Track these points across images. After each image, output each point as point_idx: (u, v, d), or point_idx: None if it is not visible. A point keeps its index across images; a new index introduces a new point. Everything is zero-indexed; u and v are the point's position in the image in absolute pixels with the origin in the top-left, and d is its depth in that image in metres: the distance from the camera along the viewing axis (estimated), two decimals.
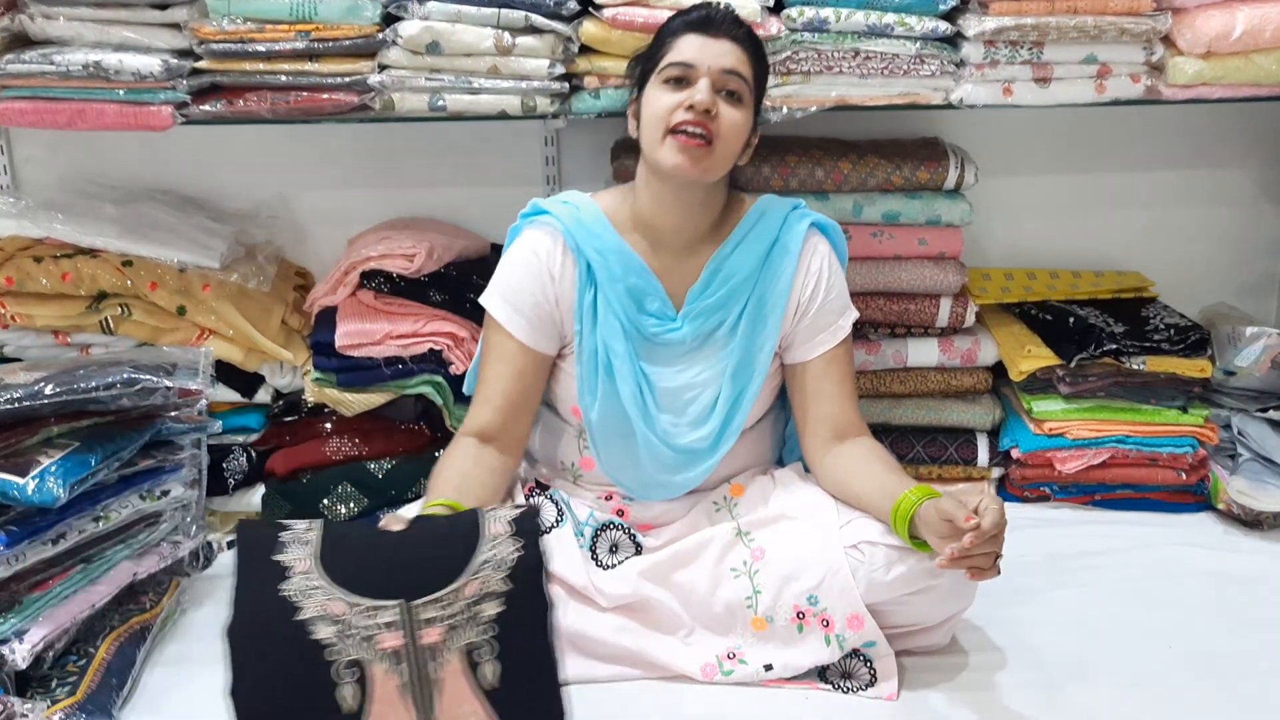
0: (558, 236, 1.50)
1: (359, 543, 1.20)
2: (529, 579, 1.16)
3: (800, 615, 1.43)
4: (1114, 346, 1.83)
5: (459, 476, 1.44)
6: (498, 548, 1.18)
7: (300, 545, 1.19)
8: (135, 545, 1.54)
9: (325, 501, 1.83)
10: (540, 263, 1.49)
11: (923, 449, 1.95)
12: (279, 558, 1.18)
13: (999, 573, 1.29)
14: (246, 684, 1.12)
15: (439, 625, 1.13)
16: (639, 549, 1.53)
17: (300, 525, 1.22)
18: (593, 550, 1.54)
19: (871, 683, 1.41)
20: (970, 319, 1.88)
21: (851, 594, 1.39)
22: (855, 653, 1.42)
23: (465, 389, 1.64)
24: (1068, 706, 1.38)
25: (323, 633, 1.13)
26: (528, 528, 1.19)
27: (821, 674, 1.43)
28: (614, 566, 1.51)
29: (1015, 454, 1.91)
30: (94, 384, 1.41)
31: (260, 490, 1.87)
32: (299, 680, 1.11)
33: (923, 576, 1.39)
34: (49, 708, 1.32)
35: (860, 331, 1.86)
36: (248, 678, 1.12)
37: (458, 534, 1.20)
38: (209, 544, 1.75)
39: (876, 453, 1.50)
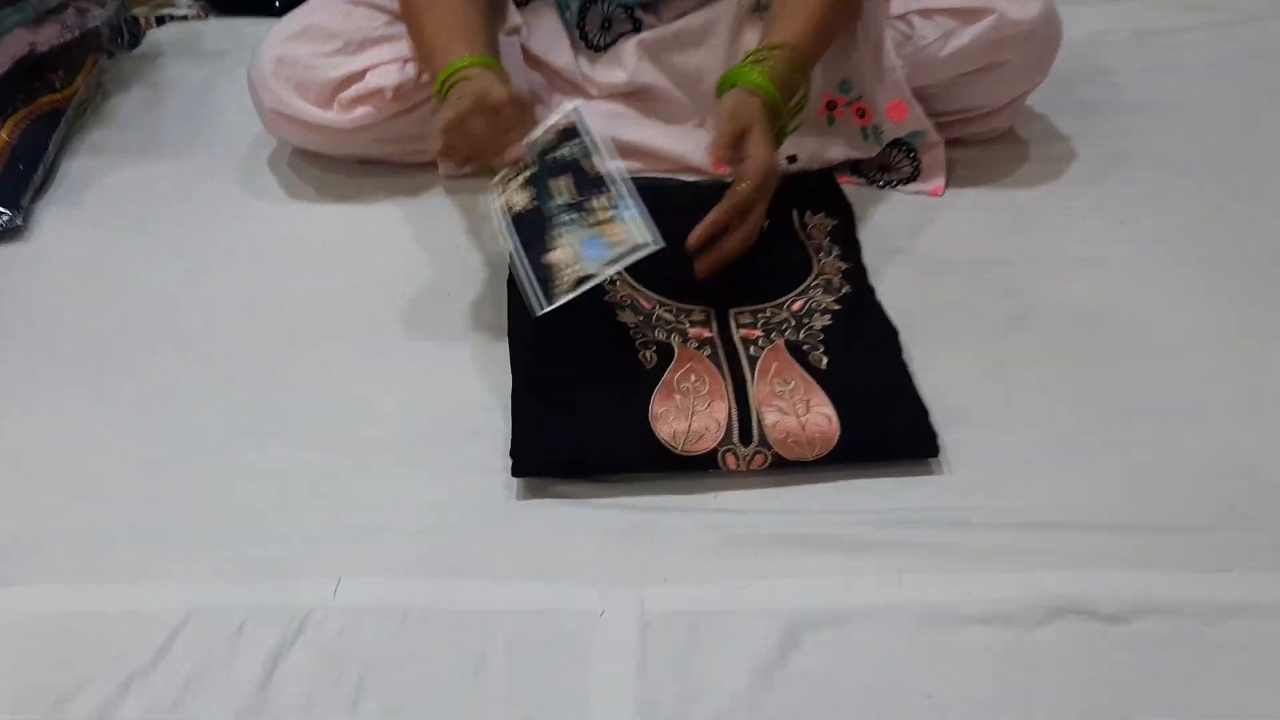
0: None
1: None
2: (865, 306, 0.99)
3: (830, 105, 1.17)
4: None
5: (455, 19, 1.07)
6: (829, 277, 1.02)
7: None
8: (28, 10, 1.27)
9: None
10: None
11: None
12: None
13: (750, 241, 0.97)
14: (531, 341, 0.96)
15: (758, 328, 0.95)
16: (637, 27, 1.24)
17: None
18: (580, 27, 1.25)
19: (914, 176, 1.18)
20: None
21: (894, 77, 1.12)
22: (897, 142, 1.18)
23: None
24: (1144, 210, 1.16)
25: (625, 317, 0.96)
26: (857, 271, 1.03)
27: (854, 166, 1.20)
28: (607, 46, 1.24)
29: None
30: None
31: None
32: (594, 339, 0.95)
33: (987, 51, 1.11)
34: None
35: None
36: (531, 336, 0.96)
37: (785, 264, 1.03)
38: (134, 19, 1.48)
39: None
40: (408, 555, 0.81)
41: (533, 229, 0.92)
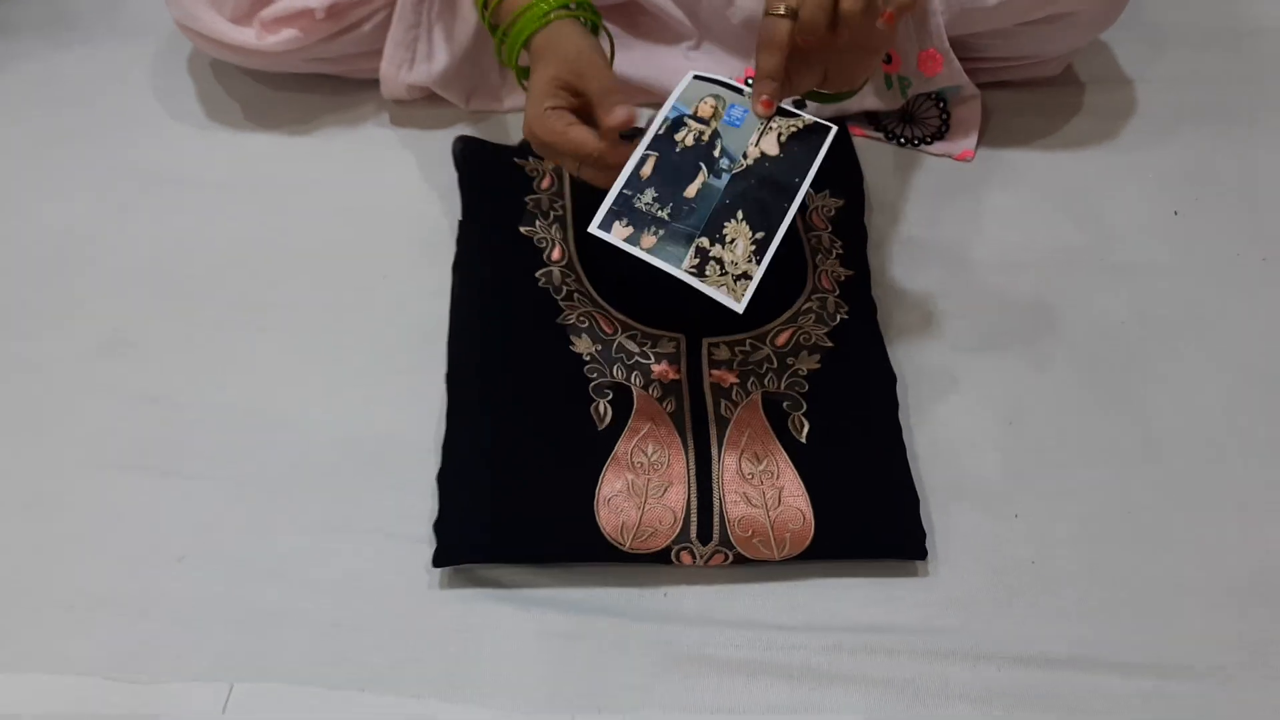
0: None
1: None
2: (862, 340, 0.84)
3: None
4: None
5: None
6: (824, 294, 0.86)
7: (545, 218, 0.90)
8: None
9: None
10: None
11: None
12: (526, 230, 0.89)
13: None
14: (470, 383, 0.81)
15: (734, 370, 0.80)
16: None
17: (543, 181, 0.93)
18: None
19: (941, 133, 1.01)
20: None
21: (932, 24, 0.92)
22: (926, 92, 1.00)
23: None
24: (1211, 189, 0.99)
25: (581, 345, 0.80)
26: (859, 281, 0.88)
27: (871, 115, 1.02)
28: None
29: None
30: None
31: None
32: (543, 377, 0.81)
33: (1046, 2, 0.91)
34: None
35: None
36: (476, 382, 0.81)
37: (777, 271, 0.80)
38: None
39: None
40: (310, 655, 0.71)
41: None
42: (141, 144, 1.01)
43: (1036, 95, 1.05)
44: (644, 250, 0.71)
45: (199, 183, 0.97)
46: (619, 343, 0.82)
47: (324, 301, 0.89)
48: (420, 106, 1.02)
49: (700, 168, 0.73)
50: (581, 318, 0.83)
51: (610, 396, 0.79)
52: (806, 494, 0.74)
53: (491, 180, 0.92)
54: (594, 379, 0.79)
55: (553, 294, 0.84)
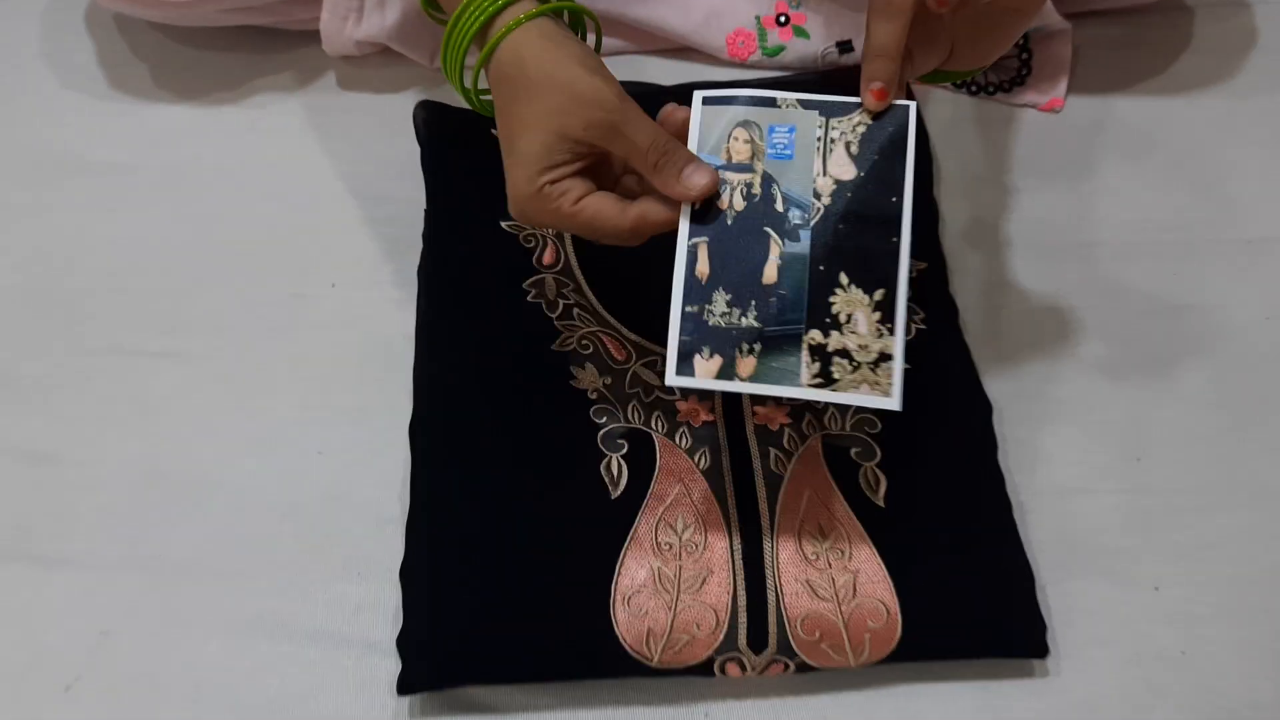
0: None
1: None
2: (945, 356, 0.65)
3: None
4: None
5: None
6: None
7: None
8: None
9: None
10: None
11: None
12: (509, 224, 0.70)
13: None
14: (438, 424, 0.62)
15: (784, 406, 0.60)
16: None
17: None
18: None
19: (1022, 79, 0.81)
20: None
21: None
22: None
23: None
24: None
25: (585, 380, 0.61)
26: (934, 275, 0.69)
27: None
28: None
29: None
30: None
31: None
32: (534, 431, 0.61)
33: None
34: None
35: None
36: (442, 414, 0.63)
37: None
38: None
39: None
40: None
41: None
42: (24, 120, 0.82)
43: (1135, 27, 0.85)
44: (745, 380, 0.52)
45: (97, 168, 0.78)
46: (633, 373, 0.63)
47: (256, 319, 0.70)
48: (374, 64, 0.83)
49: (768, 235, 0.54)
50: (584, 341, 0.64)
51: (625, 449, 0.60)
52: (889, 579, 0.56)
53: (462, 158, 0.73)
54: (603, 424, 0.61)
55: (545, 310, 0.66)
